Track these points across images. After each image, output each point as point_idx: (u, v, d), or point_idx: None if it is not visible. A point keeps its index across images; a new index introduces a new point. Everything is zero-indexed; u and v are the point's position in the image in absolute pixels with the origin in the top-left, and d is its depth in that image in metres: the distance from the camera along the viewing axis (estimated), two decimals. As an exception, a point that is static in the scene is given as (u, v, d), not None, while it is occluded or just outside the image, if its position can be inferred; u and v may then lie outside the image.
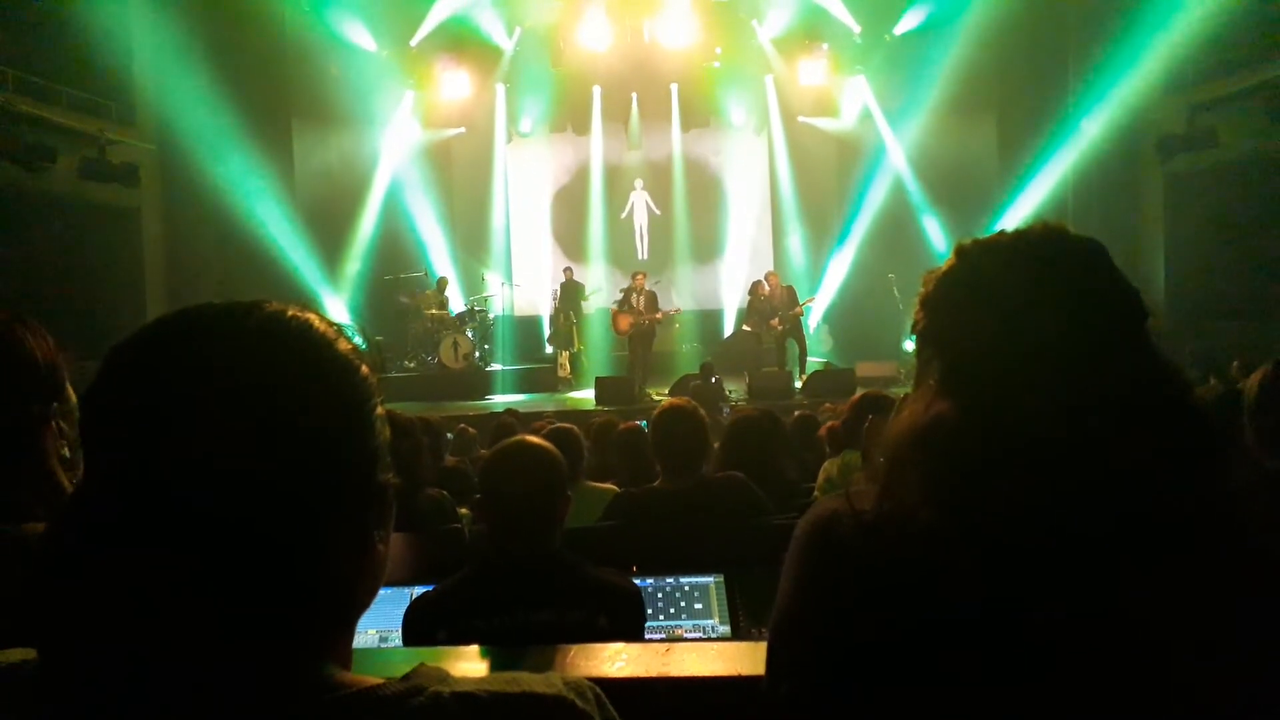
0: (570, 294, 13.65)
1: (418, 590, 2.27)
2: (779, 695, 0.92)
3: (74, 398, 1.30)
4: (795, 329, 12.20)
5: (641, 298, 11.92)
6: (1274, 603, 0.81)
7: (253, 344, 0.66)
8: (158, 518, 0.61)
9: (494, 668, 1.47)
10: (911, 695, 0.82)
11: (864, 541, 0.88)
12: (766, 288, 12.32)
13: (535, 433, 4.23)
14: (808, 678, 0.89)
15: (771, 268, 14.59)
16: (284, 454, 0.63)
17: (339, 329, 0.72)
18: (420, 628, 1.89)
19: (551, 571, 1.91)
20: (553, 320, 14.11)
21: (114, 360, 0.65)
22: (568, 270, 13.95)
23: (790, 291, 12.22)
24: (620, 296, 12.39)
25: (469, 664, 1.48)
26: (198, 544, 0.61)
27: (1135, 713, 0.78)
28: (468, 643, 1.72)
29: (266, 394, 0.64)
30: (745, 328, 13.18)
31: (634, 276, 12.17)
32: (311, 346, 0.68)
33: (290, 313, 0.69)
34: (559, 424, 4.07)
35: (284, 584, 0.64)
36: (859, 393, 4.40)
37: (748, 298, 12.90)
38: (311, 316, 0.71)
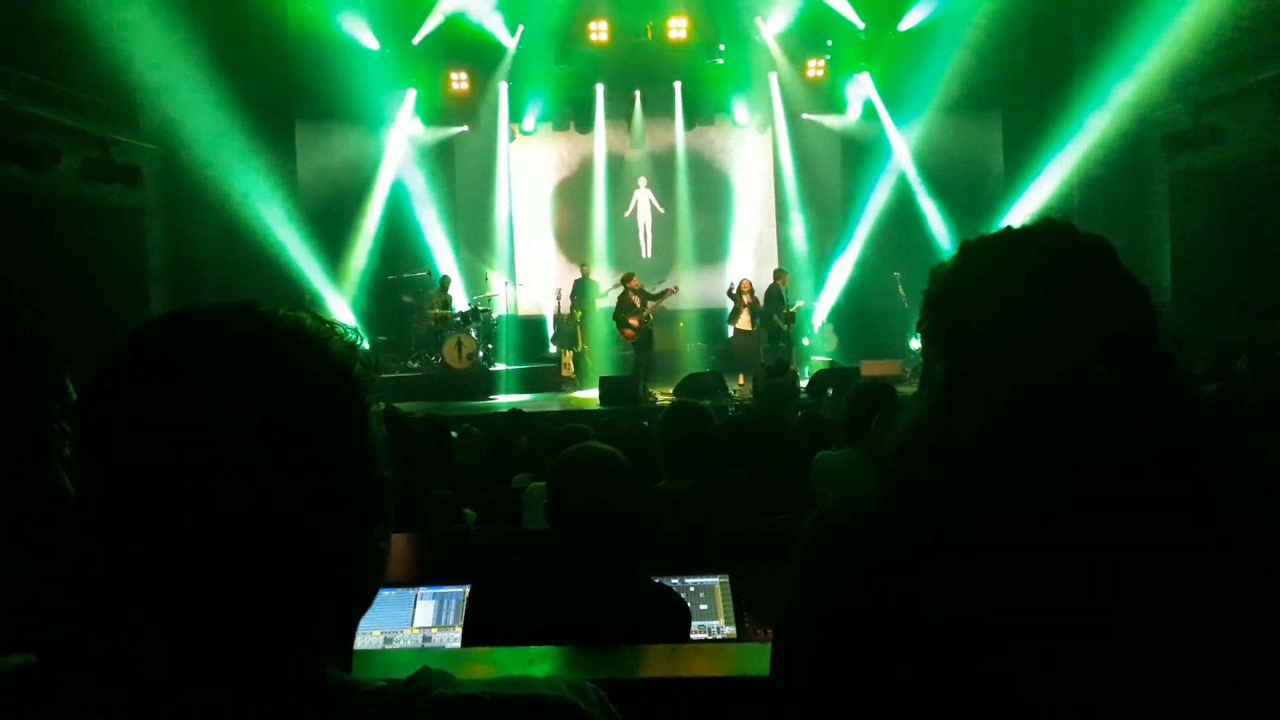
0: (585, 293, 13.60)
1: (422, 591, 2.27)
2: (785, 693, 0.91)
3: (74, 395, 1.30)
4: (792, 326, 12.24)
5: (637, 297, 11.85)
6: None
7: (244, 345, 0.66)
8: (152, 520, 0.61)
9: (500, 669, 1.47)
10: (917, 692, 0.81)
11: (870, 540, 0.88)
12: (744, 296, 12.16)
13: (544, 432, 4.24)
14: (813, 675, 0.89)
15: (776, 265, 14.56)
16: (278, 454, 0.63)
17: (331, 327, 0.71)
18: (476, 601, 1.98)
19: (607, 576, 1.95)
20: (557, 320, 14.10)
21: (107, 363, 0.65)
22: (584, 268, 13.90)
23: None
24: (617, 303, 12.18)
25: (476, 664, 1.47)
26: (194, 546, 0.61)
27: (1138, 709, 0.78)
28: (512, 627, 1.80)
29: (258, 394, 0.63)
30: (729, 334, 12.99)
31: (627, 280, 12.04)
32: (303, 346, 0.68)
33: (281, 312, 0.69)
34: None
35: (283, 585, 0.64)
36: (859, 382, 4.28)
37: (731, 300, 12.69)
38: (303, 315, 0.70)
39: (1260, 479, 0.86)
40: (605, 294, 13.63)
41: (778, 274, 12.49)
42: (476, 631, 1.94)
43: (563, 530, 1.99)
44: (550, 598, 1.89)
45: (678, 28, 13.83)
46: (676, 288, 12.45)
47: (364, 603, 0.72)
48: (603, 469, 1.99)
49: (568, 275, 14.44)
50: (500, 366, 13.27)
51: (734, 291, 12.18)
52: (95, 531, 0.62)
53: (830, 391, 9.97)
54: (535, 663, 1.47)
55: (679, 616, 1.97)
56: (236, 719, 0.62)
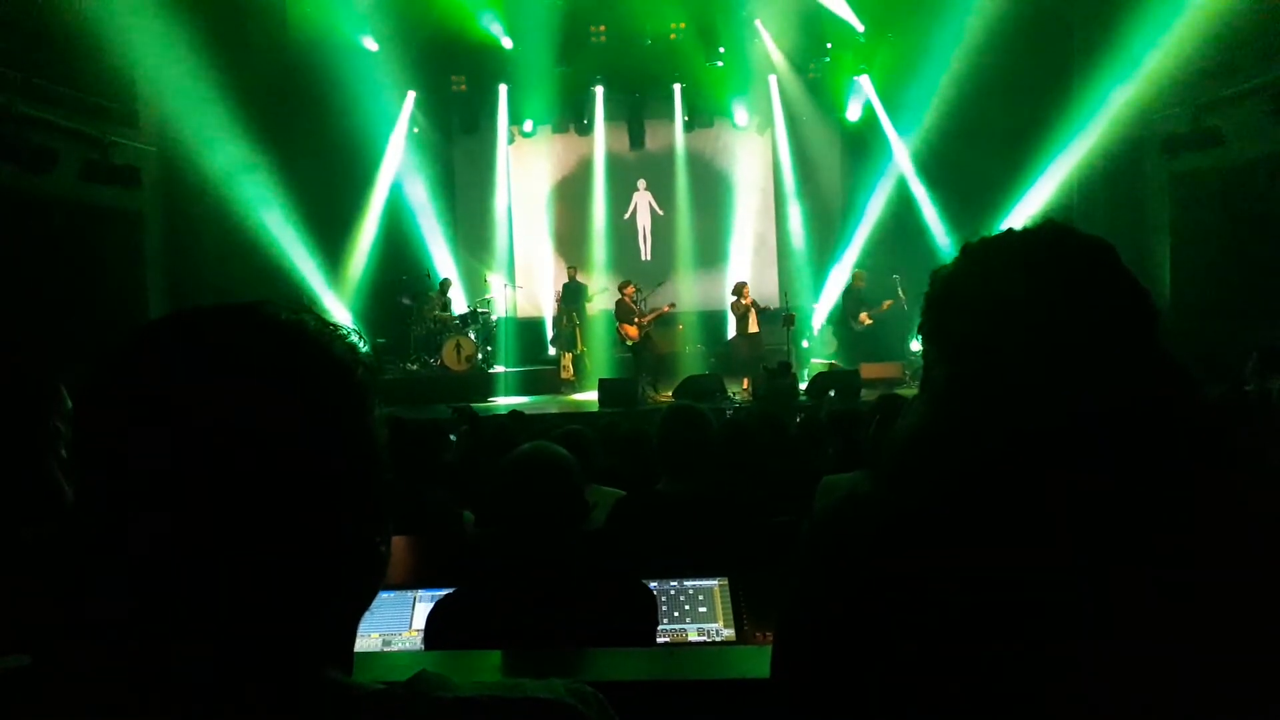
0: (574, 295, 13.63)
1: (421, 593, 2.27)
2: (786, 694, 0.91)
3: (68, 400, 1.30)
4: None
5: (633, 304, 11.86)
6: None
7: (247, 346, 0.65)
8: (152, 521, 0.61)
9: (499, 672, 1.47)
10: (920, 688, 0.81)
11: (873, 539, 0.88)
12: (744, 301, 12.03)
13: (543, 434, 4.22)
14: (814, 674, 0.89)
15: (776, 267, 14.56)
16: (278, 456, 0.63)
17: (334, 329, 0.71)
18: (442, 629, 1.92)
19: (568, 576, 1.93)
20: (555, 322, 14.10)
21: (107, 364, 0.65)
22: (571, 270, 13.94)
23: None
24: (616, 308, 12.17)
25: (474, 668, 1.47)
26: (193, 547, 0.61)
27: (1141, 700, 0.78)
28: (487, 644, 1.74)
29: (260, 396, 0.63)
30: (729, 339, 12.91)
31: (623, 287, 12.07)
32: (305, 349, 0.68)
33: (284, 315, 0.69)
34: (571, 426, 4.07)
35: (283, 587, 0.63)
36: (879, 397, 4.13)
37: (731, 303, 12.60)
38: (306, 317, 0.70)
39: (1263, 482, 0.86)
40: (593, 298, 13.65)
41: (856, 276, 12.70)
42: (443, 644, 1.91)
43: (515, 534, 1.97)
44: (515, 608, 1.86)
45: (677, 30, 13.83)
46: (672, 305, 12.55)
47: (363, 605, 0.72)
48: (553, 466, 1.98)
49: (566, 278, 14.45)
50: (499, 369, 13.25)
51: (738, 302, 12.01)
52: (94, 532, 0.62)
53: (833, 393, 9.96)
54: (533, 666, 1.46)
55: (647, 610, 1.95)
56: (234, 722, 0.61)
